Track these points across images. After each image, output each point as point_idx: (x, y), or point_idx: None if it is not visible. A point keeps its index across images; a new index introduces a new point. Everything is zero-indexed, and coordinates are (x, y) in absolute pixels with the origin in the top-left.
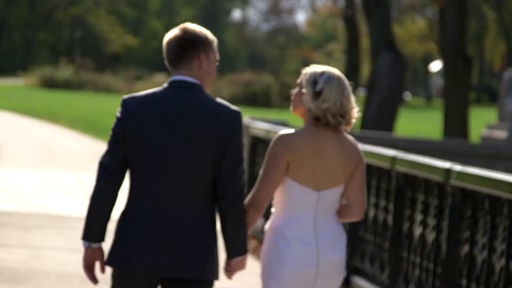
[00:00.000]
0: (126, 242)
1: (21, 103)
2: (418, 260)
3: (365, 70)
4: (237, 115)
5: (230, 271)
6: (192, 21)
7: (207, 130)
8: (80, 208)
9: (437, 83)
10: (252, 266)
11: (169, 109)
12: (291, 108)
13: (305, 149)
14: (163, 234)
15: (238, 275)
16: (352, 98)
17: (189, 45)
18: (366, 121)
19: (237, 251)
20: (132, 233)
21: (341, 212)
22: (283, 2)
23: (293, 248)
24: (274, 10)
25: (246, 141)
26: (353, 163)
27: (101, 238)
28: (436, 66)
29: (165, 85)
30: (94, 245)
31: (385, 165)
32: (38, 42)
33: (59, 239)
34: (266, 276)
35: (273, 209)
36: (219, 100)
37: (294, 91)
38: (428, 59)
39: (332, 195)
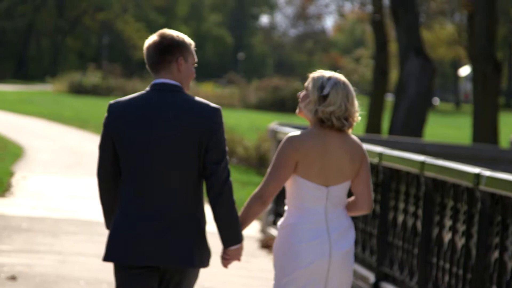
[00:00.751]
0: (120, 238)
1: (49, 109)
2: (447, 266)
3: (394, 75)
4: (217, 111)
5: (226, 260)
6: (220, 26)
7: (189, 128)
8: None
9: (466, 88)
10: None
11: (151, 111)
12: (297, 110)
13: (312, 149)
14: (153, 228)
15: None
16: (356, 103)
17: (167, 49)
18: (395, 127)
19: (230, 240)
20: (124, 229)
21: (350, 206)
22: (311, 7)
23: (306, 242)
24: (302, 16)
25: (274, 146)
26: (358, 160)
27: None
28: (465, 71)
29: (147, 88)
30: None
31: (414, 170)
32: (66, 48)
33: (88, 244)
34: (280, 271)
35: (285, 207)
36: (198, 99)
37: (301, 94)
38: (457, 64)
39: (340, 190)
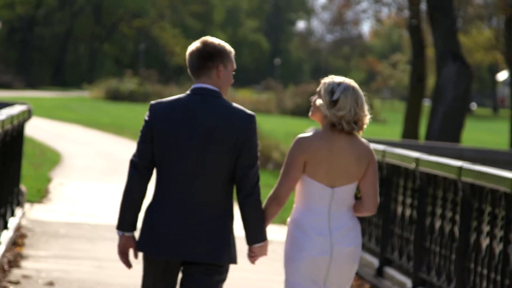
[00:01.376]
0: (151, 231)
1: (86, 115)
2: (485, 271)
3: (431, 80)
4: (252, 118)
5: (252, 257)
6: (256, 32)
7: (224, 132)
8: None
9: (504, 92)
10: None
11: (190, 113)
12: (310, 113)
13: (320, 150)
14: (184, 225)
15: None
16: (365, 107)
17: (209, 57)
18: (432, 132)
19: (255, 238)
20: (157, 223)
21: (356, 207)
22: (348, 12)
23: (310, 238)
24: (339, 21)
25: None
26: (365, 163)
27: (133, 228)
28: (502, 75)
29: (188, 92)
30: (127, 234)
31: (451, 175)
32: (103, 54)
33: None
34: (287, 262)
35: (294, 204)
36: (235, 105)
37: (314, 98)
38: (495, 69)
39: (346, 191)
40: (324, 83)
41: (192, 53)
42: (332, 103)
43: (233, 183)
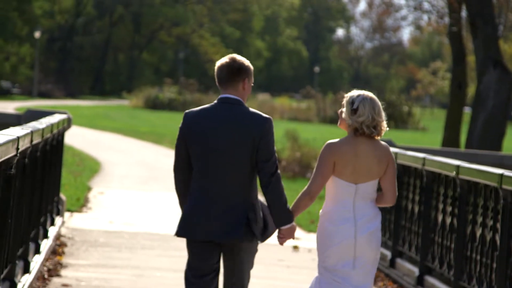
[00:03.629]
0: (189, 218)
1: (126, 124)
2: None
3: (472, 88)
4: (267, 120)
5: (281, 238)
6: (295, 40)
7: (244, 133)
8: None
9: None
10: None
11: (217, 120)
12: (338, 122)
13: (346, 153)
14: (215, 211)
15: None
16: (382, 113)
17: (237, 72)
18: (472, 140)
19: (281, 221)
20: (194, 212)
21: (378, 199)
22: (388, 20)
23: (337, 226)
24: (379, 28)
25: None
26: (385, 162)
27: None
28: None
29: (216, 101)
30: None
31: (492, 183)
32: (142, 63)
33: (164, 259)
34: (319, 248)
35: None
36: (254, 110)
37: (339, 110)
38: None
39: (368, 187)
40: (346, 96)
41: (222, 67)
42: (353, 111)
43: (255, 175)
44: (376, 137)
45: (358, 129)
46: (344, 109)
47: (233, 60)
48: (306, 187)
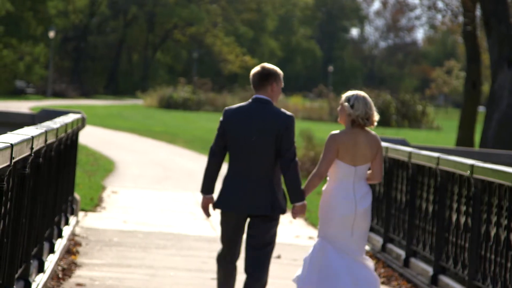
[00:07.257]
0: (225, 194)
1: (140, 123)
2: None
3: (486, 87)
4: (289, 117)
5: (295, 213)
6: (309, 40)
7: (270, 127)
8: (198, 228)
9: None
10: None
11: (250, 115)
12: (338, 118)
13: (347, 141)
14: (247, 189)
15: None
16: (373, 108)
17: (265, 78)
18: (486, 139)
19: (295, 198)
20: (229, 188)
21: (368, 177)
22: (402, 19)
23: (340, 201)
24: (393, 28)
25: None
26: (375, 149)
27: (211, 192)
28: None
29: (250, 100)
30: (207, 196)
31: (507, 183)
32: (156, 63)
33: (178, 258)
34: (321, 220)
35: (328, 178)
36: (280, 109)
37: (339, 108)
38: None
39: (364, 169)
40: (343, 96)
41: (255, 75)
42: (351, 107)
43: (278, 161)
44: (370, 127)
45: (355, 120)
46: (341, 107)
47: (263, 68)
48: (315, 169)
